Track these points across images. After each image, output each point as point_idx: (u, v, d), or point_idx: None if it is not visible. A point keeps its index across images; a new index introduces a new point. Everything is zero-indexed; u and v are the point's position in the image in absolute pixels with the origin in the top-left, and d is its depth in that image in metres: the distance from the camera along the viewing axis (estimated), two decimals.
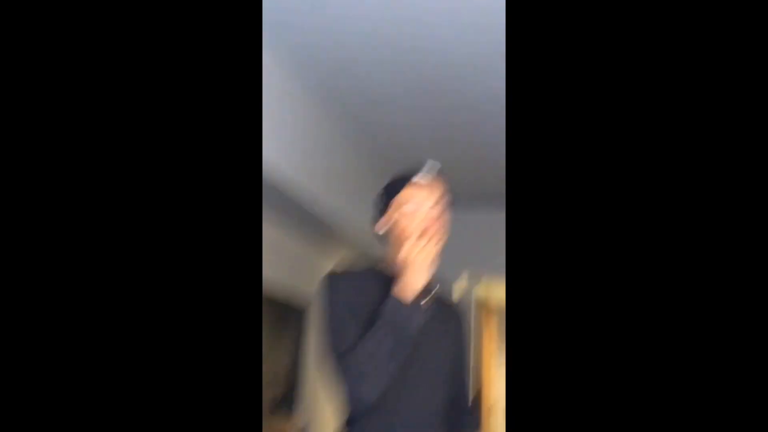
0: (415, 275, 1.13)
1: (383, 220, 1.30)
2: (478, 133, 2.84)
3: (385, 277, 1.25)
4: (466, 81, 2.37)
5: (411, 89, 2.47)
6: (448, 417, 1.32)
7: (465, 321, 1.40)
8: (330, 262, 3.83)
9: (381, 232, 1.30)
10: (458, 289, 3.83)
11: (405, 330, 1.11)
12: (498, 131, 2.81)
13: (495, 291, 4.29)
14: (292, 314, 3.24)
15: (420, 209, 1.23)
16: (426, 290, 1.23)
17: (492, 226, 3.87)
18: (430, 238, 1.16)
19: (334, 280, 1.22)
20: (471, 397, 1.38)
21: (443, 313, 1.34)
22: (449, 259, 3.25)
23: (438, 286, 1.33)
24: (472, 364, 3.68)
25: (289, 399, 3.18)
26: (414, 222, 1.22)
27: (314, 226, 2.99)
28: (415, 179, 1.25)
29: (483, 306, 4.08)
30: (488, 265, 3.80)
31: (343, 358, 1.11)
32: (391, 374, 1.11)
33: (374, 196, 3.61)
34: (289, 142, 2.44)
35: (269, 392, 2.97)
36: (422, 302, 1.18)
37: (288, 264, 3.23)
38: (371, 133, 2.96)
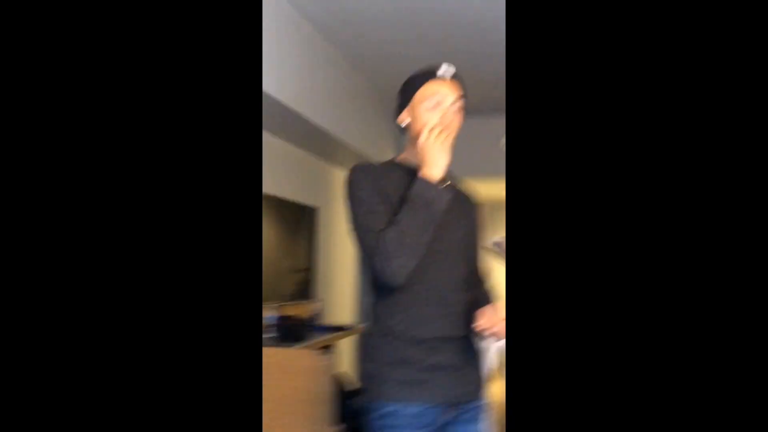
0: (437, 156, 1.24)
1: (405, 112, 1.36)
2: (476, 56, 3.09)
3: (406, 168, 1.33)
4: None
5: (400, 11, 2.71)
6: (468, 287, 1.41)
7: (478, 205, 1.49)
8: (333, 167, 4.20)
9: (403, 125, 1.37)
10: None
11: (434, 206, 1.22)
12: (497, 48, 3.07)
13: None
14: (305, 214, 3.65)
15: (442, 104, 1.30)
16: (444, 178, 1.33)
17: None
18: (449, 127, 1.28)
19: (361, 169, 1.31)
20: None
21: (461, 196, 1.44)
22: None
23: (452, 173, 1.41)
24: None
25: (306, 288, 3.66)
26: (435, 115, 1.30)
27: (318, 136, 3.30)
28: (439, 73, 1.32)
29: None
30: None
31: (380, 234, 1.21)
32: (424, 247, 1.22)
33: (369, 110, 3.91)
34: (291, 63, 2.70)
35: (290, 283, 3.44)
36: (446, 183, 1.29)
37: (296, 171, 3.60)
38: (364, 54, 3.22)
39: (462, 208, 1.40)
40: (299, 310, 3.39)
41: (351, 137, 3.51)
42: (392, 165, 1.37)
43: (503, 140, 4.23)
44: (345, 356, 4.09)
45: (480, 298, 1.38)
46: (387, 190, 1.28)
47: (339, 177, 4.30)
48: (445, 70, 1.32)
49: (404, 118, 1.37)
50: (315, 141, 3.41)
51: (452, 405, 1.28)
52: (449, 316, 1.28)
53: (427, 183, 1.24)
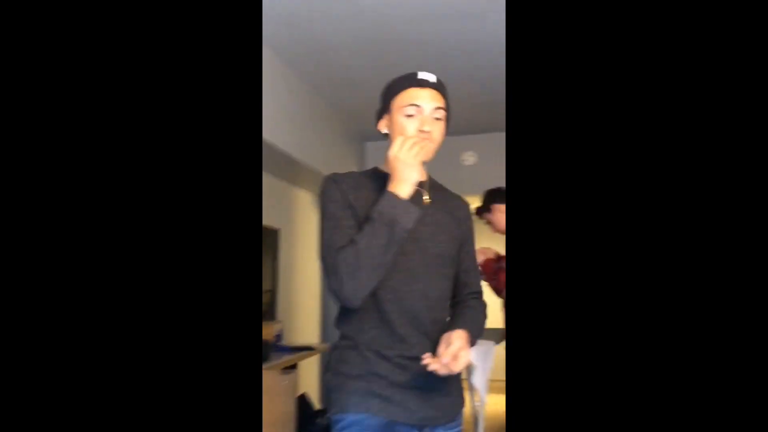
0: (407, 171, 1.15)
1: (385, 119, 1.27)
2: None
3: (385, 179, 1.21)
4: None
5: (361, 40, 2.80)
6: (454, 301, 1.33)
7: (470, 211, 1.39)
8: (294, 189, 4.24)
9: (384, 131, 1.27)
10: None
11: (399, 225, 1.13)
12: (459, 71, 3.18)
13: None
14: (267, 235, 3.67)
15: (421, 110, 1.21)
16: (423, 186, 1.26)
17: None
18: (426, 139, 1.19)
19: (334, 180, 1.23)
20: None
21: (449, 202, 1.33)
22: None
23: (429, 178, 1.32)
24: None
25: (269, 309, 3.67)
26: (413, 124, 1.20)
27: (279, 159, 3.34)
28: (420, 77, 1.23)
29: None
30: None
31: (339, 252, 1.13)
32: (383, 268, 1.14)
33: (330, 131, 3.97)
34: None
35: None
36: (423, 198, 1.24)
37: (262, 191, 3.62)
38: (324, 77, 3.29)
39: (443, 221, 1.28)
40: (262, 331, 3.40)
41: (312, 159, 3.57)
42: (371, 175, 1.28)
43: (468, 155, 4.32)
44: (309, 376, 4.09)
45: (459, 318, 1.26)
46: (358, 204, 1.20)
47: (301, 198, 4.34)
48: (427, 75, 1.24)
49: (384, 126, 1.27)
50: (276, 163, 3.45)
51: (419, 427, 1.20)
52: (421, 336, 1.20)
53: (391, 200, 1.15)
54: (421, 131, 1.20)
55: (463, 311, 1.30)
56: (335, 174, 1.25)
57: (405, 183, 1.16)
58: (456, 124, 4.11)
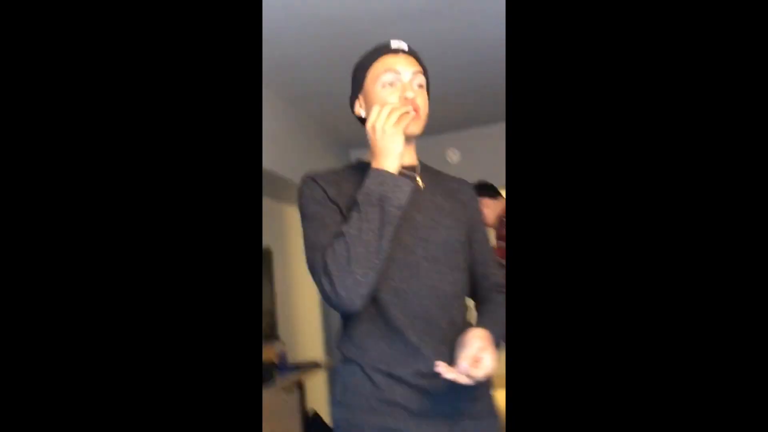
0: (391, 142, 0.99)
1: (360, 99, 1.11)
2: None
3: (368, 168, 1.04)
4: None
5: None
6: (476, 299, 1.17)
7: (473, 199, 1.21)
8: (282, 206, 4.20)
9: (362, 113, 1.10)
10: None
11: (390, 202, 0.96)
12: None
13: None
14: None
15: (401, 77, 1.06)
16: (415, 171, 1.12)
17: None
18: (410, 106, 1.04)
19: (312, 178, 1.08)
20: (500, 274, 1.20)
21: (448, 185, 1.17)
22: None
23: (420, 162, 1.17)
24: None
25: (270, 330, 3.62)
26: (393, 93, 1.05)
27: (265, 176, 3.31)
28: (393, 46, 1.09)
29: None
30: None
31: (327, 249, 0.96)
32: (382, 256, 0.95)
33: (311, 145, 3.94)
34: None
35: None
36: (416, 183, 1.08)
37: None
38: (301, 91, 3.27)
39: (443, 205, 1.11)
40: (264, 353, 3.35)
41: (296, 173, 3.53)
42: (353, 167, 1.13)
43: (452, 152, 4.28)
44: (316, 393, 4.04)
45: (479, 317, 1.10)
46: (341, 200, 1.05)
47: (289, 214, 4.31)
48: (400, 43, 1.10)
49: (360, 106, 1.12)
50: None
51: None
52: (438, 344, 1.01)
53: (377, 176, 0.98)
54: (405, 98, 1.05)
55: (483, 309, 1.13)
56: (313, 171, 1.10)
57: (389, 156, 1.00)
58: (436, 122, 4.11)
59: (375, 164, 1.01)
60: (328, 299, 0.97)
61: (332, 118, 3.84)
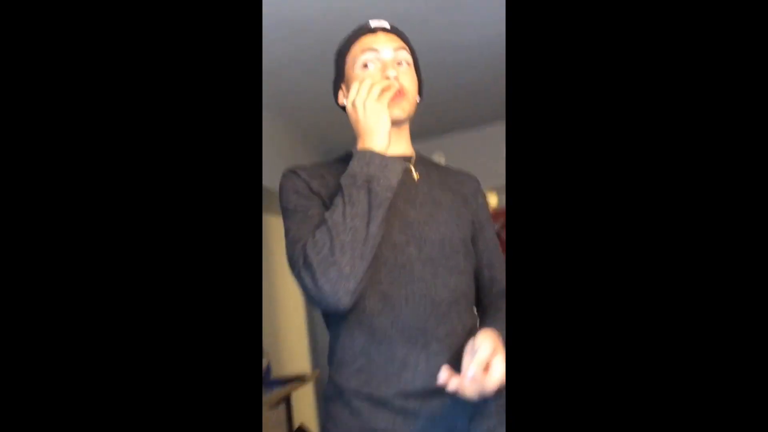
0: (375, 120, 0.88)
1: (343, 87, 1.02)
2: None
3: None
4: None
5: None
6: (479, 303, 1.04)
7: (480, 186, 1.10)
8: (265, 216, 4.12)
9: (345, 102, 0.96)
10: None
11: (378, 182, 0.84)
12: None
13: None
14: None
15: (380, 54, 0.96)
16: (410, 162, 1.01)
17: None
18: (394, 82, 0.93)
19: (291, 171, 0.98)
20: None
21: (449, 178, 1.06)
22: None
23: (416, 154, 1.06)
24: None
25: None
26: (376, 71, 0.96)
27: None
28: (372, 25, 1.00)
29: None
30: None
31: (308, 240, 0.84)
32: (371, 247, 0.83)
33: (292, 152, 3.87)
34: None
35: None
36: (412, 176, 0.98)
37: None
38: (279, 99, 3.20)
39: (442, 199, 0.99)
40: None
41: (274, 182, 3.45)
42: (338, 161, 1.02)
43: (438, 155, 4.24)
44: (303, 407, 3.95)
45: (487, 321, 0.96)
46: (325, 191, 0.94)
47: (272, 224, 4.22)
48: (380, 22, 1.01)
49: (342, 96, 1.02)
50: None
51: None
52: (431, 356, 0.87)
53: (363, 156, 0.86)
54: (386, 78, 0.94)
55: (491, 314, 0.98)
56: (294, 165, 0.99)
57: (375, 134, 0.88)
58: (421, 128, 4.06)
59: (360, 145, 0.89)
60: (310, 296, 0.84)
61: (311, 120, 3.79)
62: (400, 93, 0.95)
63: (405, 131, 1.03)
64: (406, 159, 1.02)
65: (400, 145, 1.02)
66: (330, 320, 0.96)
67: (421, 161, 1.05)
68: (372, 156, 0.86)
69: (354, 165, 0.87)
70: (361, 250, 0.81)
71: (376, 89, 0.89)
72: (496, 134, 4.13)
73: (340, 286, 0.81)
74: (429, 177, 1.02)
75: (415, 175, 1.00)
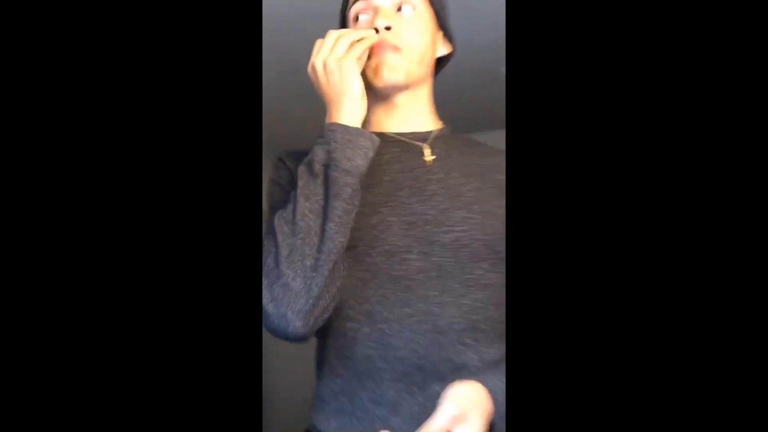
0: (336, 81, 0.70)
1: None
2: None
3: None
4: None
5: None
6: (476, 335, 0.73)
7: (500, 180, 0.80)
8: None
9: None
10: None
11: (337, 163, 0.67)
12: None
13: None
14: None
15: (377, 8, 0.77)
16: (426, 140, 0.80)
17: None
18: (375, 36, 0.74)
19: (279, 158, 0.81)
20: None
21: (482, 163, 0.81)
22: None
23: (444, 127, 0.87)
24: None
25: None
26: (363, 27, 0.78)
27: None
28: None
29: None
30: None
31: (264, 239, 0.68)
32: (335, 245, 0.65)
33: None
34: None
35: None
36: (423, 155, 0.77)
37: None
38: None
39: (467, 184, 0.77)
40: None
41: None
42: None
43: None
44: None
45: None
46: None
47: None
48: None
49: None
50: None
51: None
52: (431, 400, 0.64)
53: (327, 133, 0.69)
54: (374, 29, 0.74)
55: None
56: (287, 149, 0.82)
57: (342, 102, 0.69)
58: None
59: (327, 119, 0.71)
60: (265, 325, 0.66)
61: (298, 118, 3.70)
62: (381, 46, 0.74)
63: (422, 100, 0.82)
64: (423, 136, 0.80)
65: (417, 119, 0.81)
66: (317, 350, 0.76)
67: (444, 139, 0.82)
68: (335, 132, 0.68)
69: (316, 147, 0.69)
70: (315, 256, 0.64)
71: (343, 43, 0.70)
72: (496, 138, 4.07)
73: (288, 307, 0.63)
74: (448, 159, 0.79)
75: (428, 157, 0.78)
